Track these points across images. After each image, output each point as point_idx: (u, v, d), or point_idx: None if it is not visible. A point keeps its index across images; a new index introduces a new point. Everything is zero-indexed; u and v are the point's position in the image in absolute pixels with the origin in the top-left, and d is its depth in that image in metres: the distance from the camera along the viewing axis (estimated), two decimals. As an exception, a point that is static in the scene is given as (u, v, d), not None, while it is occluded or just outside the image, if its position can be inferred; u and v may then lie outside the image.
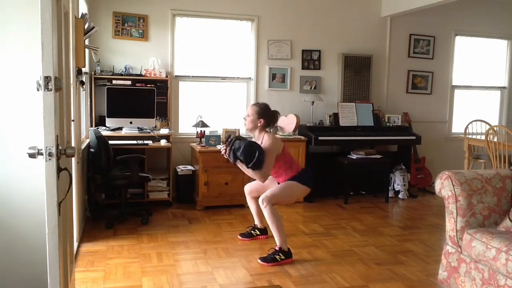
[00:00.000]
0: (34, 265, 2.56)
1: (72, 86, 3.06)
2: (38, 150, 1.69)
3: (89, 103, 4.88)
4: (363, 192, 5.87)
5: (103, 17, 5.11)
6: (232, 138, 3.57)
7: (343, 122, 5.65)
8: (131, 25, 5.21)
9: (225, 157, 3.61)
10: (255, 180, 3.86)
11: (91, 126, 4.90)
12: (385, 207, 5.32)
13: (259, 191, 3.80)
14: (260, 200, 3.53)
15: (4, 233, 2.56)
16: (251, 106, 3.71)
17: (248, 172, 3.54)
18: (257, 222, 4.05)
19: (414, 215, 4.96)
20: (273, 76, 5.74)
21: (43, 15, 1.64)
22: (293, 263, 3.45)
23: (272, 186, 3.70)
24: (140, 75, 5.13)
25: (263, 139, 3.59)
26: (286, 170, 3.63)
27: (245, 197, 4.05)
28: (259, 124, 3.62)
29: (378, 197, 5.69)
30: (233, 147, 3.50)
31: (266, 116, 3.64)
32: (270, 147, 3.50)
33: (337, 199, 5.53)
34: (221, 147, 3.74)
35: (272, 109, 3.73)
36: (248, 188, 3.98)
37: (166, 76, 5.20)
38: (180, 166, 5.21)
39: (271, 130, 3.67)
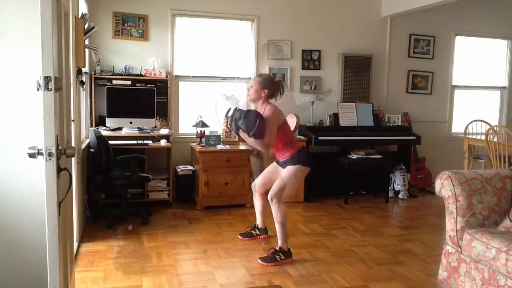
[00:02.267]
0: (34, 265, 2.55)
1: (72, 86, 3.05)
2: (38, 150, 1.69)
3: (89, 103, 4.87)
4: (363, 192, 5.87)
5: (103, 17, 5.11)
6: (232, 109, 3.57)
7: (343, 122, 5.65)
8: (131, 25, 5.20)
9: (227, 129, 3.58)
10: (257, 176, 3.85)
11: (91, 126, 4.90)
12: (385, 207, 5.32)
13: (266, 184, 3.77)
14: (269, 197, 3.53)
15: (4, 233, 2.56)
16: (254, 77, 3.71)
17: (251, 141, 3.50)
18: (258, 221, 4.04)
19: (414, 215, 4.96)
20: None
21: (43, 15, 1.64)
22: (293, 263, 3.45)
23: (277, 175, 3.66)
24: (140, 75, 5.13)
25: (265, 110, 3.55)
26: (285, 145, 3.59)
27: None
28: (262, 95, 3.58)
29: (378, 197, 5.68)
30: (234, 117, 3.49)
31: (270, 86, 3.60)
32: (271, 116, 3.48)
33: (337, 199, 5.53)
34: (223, 122, 3.71)
35: (275, 79, 3.69)
36: (256, 185, 3.92)
37: (166, 76, 5.20)
38: (180, 166, 5.21)
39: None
